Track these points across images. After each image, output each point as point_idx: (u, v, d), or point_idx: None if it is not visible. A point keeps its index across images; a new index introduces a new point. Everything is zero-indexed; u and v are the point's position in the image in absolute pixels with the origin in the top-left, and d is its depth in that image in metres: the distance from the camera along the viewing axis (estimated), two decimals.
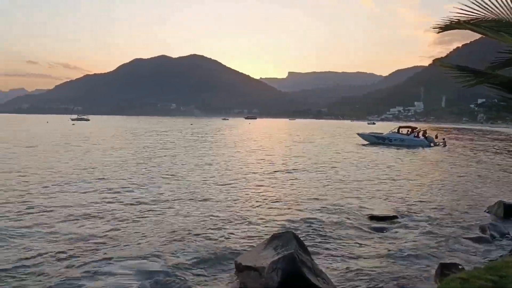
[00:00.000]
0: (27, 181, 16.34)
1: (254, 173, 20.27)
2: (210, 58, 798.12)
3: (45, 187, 15.20)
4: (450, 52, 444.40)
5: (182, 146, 38.15)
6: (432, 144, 42.94)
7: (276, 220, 11.14)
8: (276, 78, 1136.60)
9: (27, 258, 7.81)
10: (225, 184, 16.75)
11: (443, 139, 47.99)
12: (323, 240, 9.43)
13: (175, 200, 13.46)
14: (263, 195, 14.58)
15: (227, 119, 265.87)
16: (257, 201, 13.55)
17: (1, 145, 34.16)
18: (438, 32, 5.71)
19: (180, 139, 49.55)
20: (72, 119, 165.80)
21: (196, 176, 18.99)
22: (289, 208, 12.55)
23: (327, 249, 8.91)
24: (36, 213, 11.35)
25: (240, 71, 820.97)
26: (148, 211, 11.89)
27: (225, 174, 19.71)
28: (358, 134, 48.00)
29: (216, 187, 16.01)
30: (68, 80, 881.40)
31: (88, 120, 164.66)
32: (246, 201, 13.64)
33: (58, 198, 13.23)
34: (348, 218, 11.39)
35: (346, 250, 8.82)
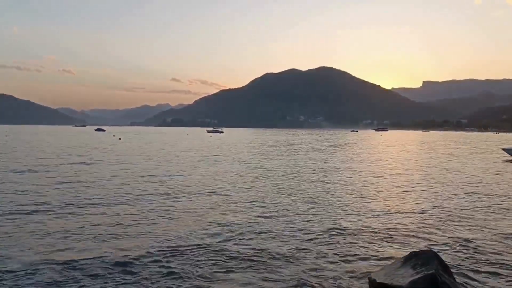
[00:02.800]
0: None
1: (393, 186, 19.63)
2: (339, 70, 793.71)
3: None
4: None
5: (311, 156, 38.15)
6: None
7: (414, 236, 10.31)
8: (410, 88, 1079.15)
9: None
10: (362, 196, 16.32)
11: None
12: (472, 265, 8.28)
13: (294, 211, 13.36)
14: (401, 208, 13.86)
15: (356, 131, 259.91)
16: (397, 213, 13.05)
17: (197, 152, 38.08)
18: None
19: (317, 150, 49.56)
20: (208, 131, 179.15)
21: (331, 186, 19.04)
22: (430, 225, 11.62)
23: (475, 272, 7.83)
24: None
25: (370, 81, 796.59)
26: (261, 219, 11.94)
27: (361, 184, 19.78)
28: (504, 149, 42.52)
29: (353, 198, 15.89)
30: (206, 95, 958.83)
31: (222, 132, 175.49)
32: (385, 213, 13.03)
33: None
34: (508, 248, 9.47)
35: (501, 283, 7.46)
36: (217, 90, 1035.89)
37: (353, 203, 14.77)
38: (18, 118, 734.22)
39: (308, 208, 13.71)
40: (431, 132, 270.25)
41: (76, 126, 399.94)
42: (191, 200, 14.69)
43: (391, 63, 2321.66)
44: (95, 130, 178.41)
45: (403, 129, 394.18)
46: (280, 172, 24.87)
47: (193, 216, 12.24)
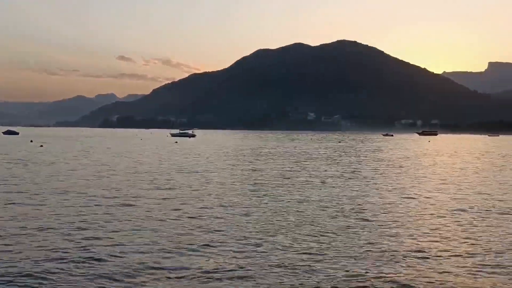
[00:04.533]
0: None
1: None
2: (366, 45, 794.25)
3: None
4: None
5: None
6: None
7: None
8: (470, 73, 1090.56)
9: None
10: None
11: None
12: None
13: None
14: None
15: (391, 135, 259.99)
16: None
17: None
18: None
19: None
20: (173, 135, 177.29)
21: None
22: None
23: None
24: None
25: (412, 63, 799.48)
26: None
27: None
28: None
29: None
30: (169, 81, 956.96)
31: (194, 136, 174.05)
32: None
33: None
34: None
35: None
36: (187, 75, 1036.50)
37: None
38: None
39: None
40: (502, 137, 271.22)
41: None
42: None
43: (442, 38, 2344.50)
44: (4, 133, 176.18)
45: (460, 132, 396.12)
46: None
47: None
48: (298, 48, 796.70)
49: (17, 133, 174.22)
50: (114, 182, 31.08)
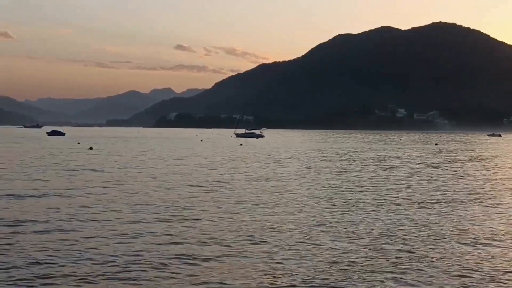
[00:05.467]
0: None
1: None
2: (468, 29, 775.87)
3: None
4: None
5: None
6: None
7: None
8: None
9: None
10: None
11: None
12: None
13: None
14: None
15: (498, 135, 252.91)
16: None
17: None
18: None
19: None
20: (238, 135, 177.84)
21: None
22: None
23: None
24: None
25: None
26: None
27: None
28: None
29: None
30: (234, 73, 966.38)
31: (263, 136, 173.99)
32: None
33: None
34: None
35: None
36: (254, 65, 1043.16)
37: None
38: None
39: None
40: None
41: (26, 126, 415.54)
42: None
43: None
44: (48, 134, 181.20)
45: None
46: None
47: None
48: (385, 33, 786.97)
49: (63, 134, 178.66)
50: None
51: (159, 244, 18.65)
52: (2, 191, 31.32)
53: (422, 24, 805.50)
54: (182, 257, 16.81)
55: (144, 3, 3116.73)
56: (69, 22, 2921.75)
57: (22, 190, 32.20)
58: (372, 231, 21.39)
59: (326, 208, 27.19)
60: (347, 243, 19.28)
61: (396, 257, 17.26)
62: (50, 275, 14.64)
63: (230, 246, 18.34)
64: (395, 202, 29.69)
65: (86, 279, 14.39)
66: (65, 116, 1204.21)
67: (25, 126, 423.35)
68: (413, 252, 17.87)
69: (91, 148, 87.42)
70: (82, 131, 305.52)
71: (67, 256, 16.69)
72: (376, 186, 37.23)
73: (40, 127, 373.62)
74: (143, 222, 22.68)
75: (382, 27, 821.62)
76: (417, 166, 59.56)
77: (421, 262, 16.63)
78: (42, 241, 18.84)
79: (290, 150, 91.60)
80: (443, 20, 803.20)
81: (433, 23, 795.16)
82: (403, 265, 16.26)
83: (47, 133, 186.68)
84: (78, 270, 15.15)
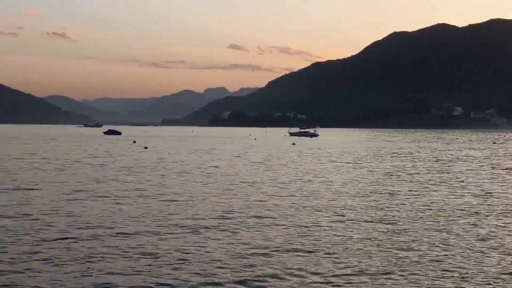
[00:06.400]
0: None
1: None
2: None
3: None
4: None
5: None
6: None
7: None
8: None
9: None
10: None
11: None
12: None
13: None
14: None
15: None
16: None
17: None
18: None
19: None
20: (292, 133, 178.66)
21: None
22: None
23: None
24: None
25: None
26: None
27: None
28: None
29: None
30: (288, 72, 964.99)
31: (316, 135, 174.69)
32: None
33: None
34: None
35: None
36: (308, 64, 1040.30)
37: None
38: None
39: None
40: None
41: (87, 125, 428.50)
42: None
43: None
44: (105, 133, 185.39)
45: None
46: None
47: None
48: (441, 30, 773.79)
49: (120, 133, 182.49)
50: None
51: None
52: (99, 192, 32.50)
53: (479, 21, 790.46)
54: None
55: (198, 3, 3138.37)
56: (125, 23, 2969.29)
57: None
58: None
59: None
60: None
61: None
62: None
63: None
64: None
65: None
66: (121, 115, 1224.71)
67: (86, 125, 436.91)
68: None
69: (145, 148, 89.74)
70: (137, 130, 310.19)
71: None
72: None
73: (100, 126, 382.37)
74: None
75: (438, 24, 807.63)
76: None
77: None
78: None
79: (340, 148, 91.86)
80: (501, 17, 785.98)
81: (490, 19, 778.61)
82: None
83: (103, 132, 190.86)
84: None
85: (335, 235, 20.78)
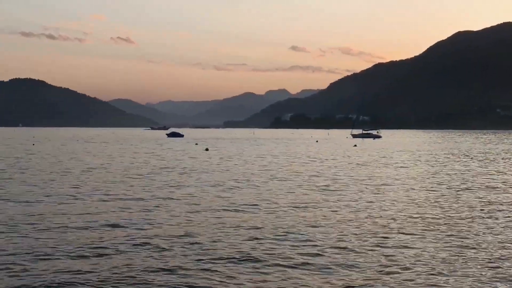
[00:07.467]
0: None
1: None
2: None
3: None
4: None
5: None
6: None
7: None
8: None
9: None
10: None
11: None
12: None
13: None
14: None
15: None
16: None
17: None
18: None
19: None
20: (354, 135, 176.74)
21: None
22: None
23: None
24: None
25: None
26: None
27: None
28: None
29: None
30: (350, 73, 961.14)
31: (380, 136, 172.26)
32: None
33: None
34: None
35: None
36: (370, 65, 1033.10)
37: None
38: (49, 117, 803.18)
39: None
40: None
41: (153, 128, 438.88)
42: None
43: None
44: (168, 135, 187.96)
45: None
46: None
47: None
48: (506, 29, 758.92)
49: (182, 135, 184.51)
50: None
51: None
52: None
53: None
54: None
55: (260, 5, 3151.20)
56: (187, 26, 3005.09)
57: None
58: None
59: None
60: None
61: None
62: None
63: None
64: None
65: None
66: (184, 118, 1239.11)
67: (152, 128, 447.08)
68: None
69: (206, 149, 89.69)
70: (200, 132, 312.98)
71: None
72: None
73: (167, 129, 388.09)
74: None
75: (504, 23, 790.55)
76: None
77: None
78: None
79: (407, 151, 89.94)
80: None
81: None
82: None
83: (166, 134, 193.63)
84: None
85: None
